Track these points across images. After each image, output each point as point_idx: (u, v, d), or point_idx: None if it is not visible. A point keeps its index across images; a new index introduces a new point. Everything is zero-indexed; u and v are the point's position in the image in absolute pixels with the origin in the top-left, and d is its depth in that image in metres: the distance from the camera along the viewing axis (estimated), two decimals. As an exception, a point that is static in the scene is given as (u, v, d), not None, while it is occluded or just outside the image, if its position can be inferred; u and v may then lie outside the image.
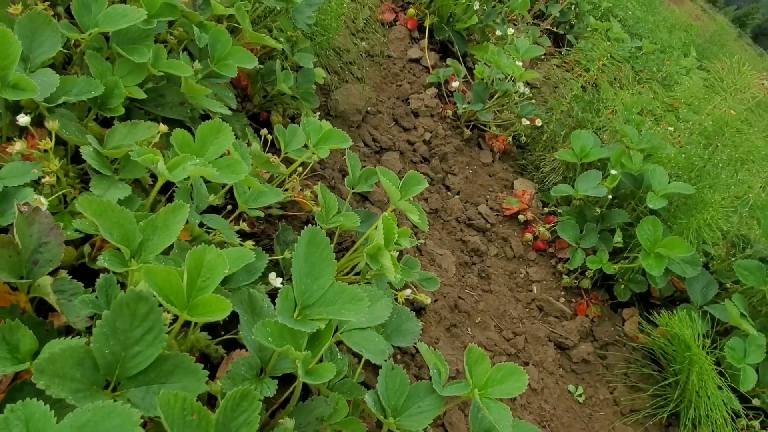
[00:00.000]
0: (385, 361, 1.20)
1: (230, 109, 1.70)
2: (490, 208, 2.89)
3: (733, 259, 2.60)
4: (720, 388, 2.17)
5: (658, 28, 5.94)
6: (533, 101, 3.31)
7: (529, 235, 2.82)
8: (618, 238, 2.62)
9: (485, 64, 3.25)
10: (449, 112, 3.16)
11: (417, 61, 3.45)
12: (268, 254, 1.40)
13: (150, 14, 1.45)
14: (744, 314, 2.36)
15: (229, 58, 1.68)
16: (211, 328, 1.42)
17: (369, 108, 2.91)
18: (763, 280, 2.38)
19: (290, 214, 2.08)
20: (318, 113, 2.55)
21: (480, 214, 2.82)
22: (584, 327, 2.57)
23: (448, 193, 2.89)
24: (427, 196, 2.76)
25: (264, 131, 1.93)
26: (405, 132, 2.96)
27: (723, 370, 2.33)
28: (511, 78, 3.14)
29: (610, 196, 2.65)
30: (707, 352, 2.29)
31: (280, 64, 2.09)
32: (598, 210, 2.70)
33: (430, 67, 3.42)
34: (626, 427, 2.36)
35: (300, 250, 1.07)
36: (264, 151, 1.74)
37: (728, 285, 2.59)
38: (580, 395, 2.40)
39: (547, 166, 3.06)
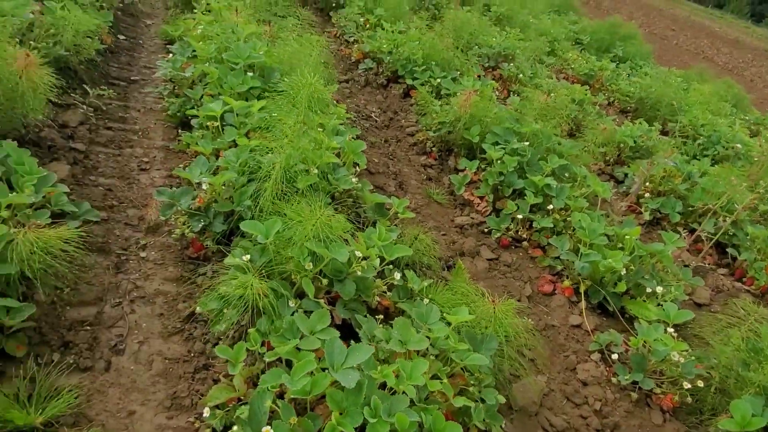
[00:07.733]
0: None
1: None
2: (669, 477, 3.25)
3: None
4: None
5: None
6: (694, 357, 3.68)
7: (713, 505, 3.09)
8: None
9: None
10: (614, 379, 3.71)
11: (578, 326, 4.13)
12: None
13: None
14: None
15: None
16: None
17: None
18: None
19: None
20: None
21: (659, 484, 3.20)
22: None
23: (626, 464, 3.34)
24: (606, 473, 3.25)
25: None
26: (577, 408, 3.57)
27: None
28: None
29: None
30: None
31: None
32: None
33: (590, 332, 4.06)
34: None
35: None
36: None
37: None
38: None
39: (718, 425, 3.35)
